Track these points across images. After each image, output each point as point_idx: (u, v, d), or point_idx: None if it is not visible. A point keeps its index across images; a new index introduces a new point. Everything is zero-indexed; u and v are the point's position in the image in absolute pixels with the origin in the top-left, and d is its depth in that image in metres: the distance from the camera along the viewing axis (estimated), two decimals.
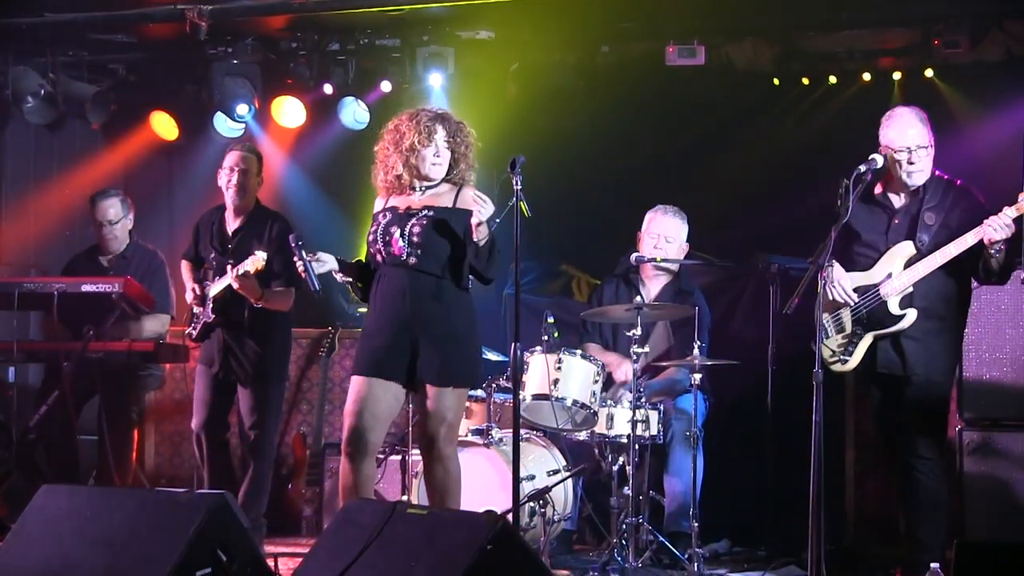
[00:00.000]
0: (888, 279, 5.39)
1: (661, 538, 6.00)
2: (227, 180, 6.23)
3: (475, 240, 5.07)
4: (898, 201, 5.49)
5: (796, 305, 5.13)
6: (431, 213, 5.15)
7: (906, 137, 5.38)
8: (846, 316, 5.49)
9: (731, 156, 7.61)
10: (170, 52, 8.07)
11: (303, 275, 5.15)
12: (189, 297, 6.27)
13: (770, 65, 7.65)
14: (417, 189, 5.24)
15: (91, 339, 6.75)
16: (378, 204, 5.36)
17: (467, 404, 6.69)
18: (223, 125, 8.21)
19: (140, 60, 8.26)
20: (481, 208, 5.02)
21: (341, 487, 5.19)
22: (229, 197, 6.26)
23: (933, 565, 4.44)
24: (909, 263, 5.36)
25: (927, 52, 7.25)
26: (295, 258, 5.16)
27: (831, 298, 5.43)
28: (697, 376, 6.04)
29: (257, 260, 5.87)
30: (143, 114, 8.18)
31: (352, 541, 4.27)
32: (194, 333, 6.29)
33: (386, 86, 7.85)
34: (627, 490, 5.97)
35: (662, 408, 6.19)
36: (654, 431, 6.07)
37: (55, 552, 4.45)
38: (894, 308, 5.37)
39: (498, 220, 6.30)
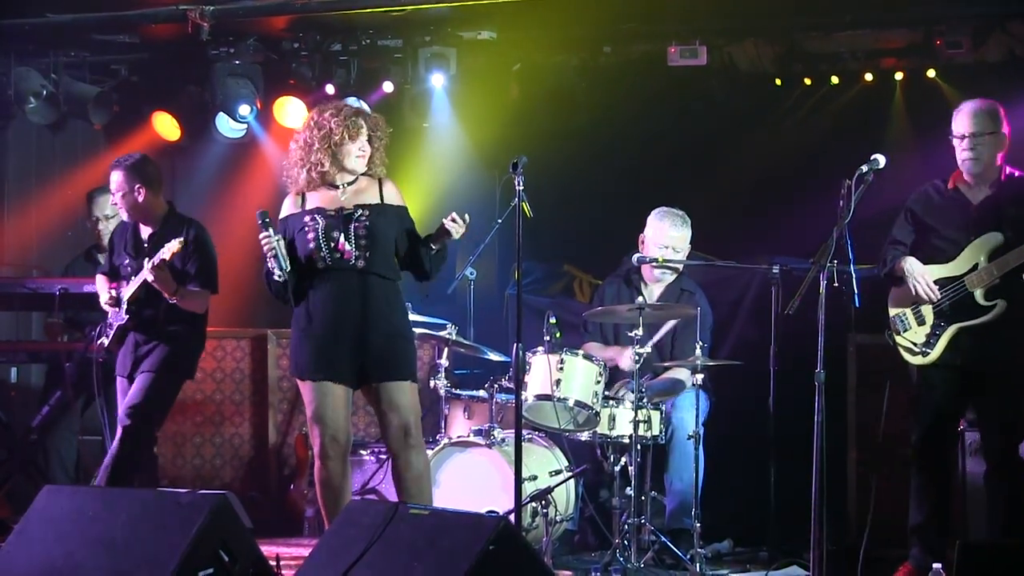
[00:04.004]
0: (974, 270, 5.39)
1: (663, 538, 5.99)
2: (117, 205, 6.18)
3: (432, 246, 5.28)
4: (972, 195, 5.51)
5: (797, 305, 5.14)
6: (367, 212, 5.23)
7: (961, 125, 5.47)
8: (927, 309, 5.50)
9: (733, 156, 7.60)
10: (172, 53, 8.08)
11: (270, 253, 5.13)
12: (104, 299, 6.10)
13: (772, 65, 7.65)
14: (339, 185, 5.29)
15: (93, 339, 6.75)
16: (292, 204, 5.36)
17: (470, 404, 6.72)
18: (225, 126, 8.22)
19: (142, 61, 8.27)
20: (458, 230, 5.23)
21: (325, 491, 5.28)
22: (125, 217, 6.19)
23: (936, 565, 4.44)
24: (995, 254, 5.36)
25: (929, 52, 7.25)
26: (262, 234, 5.14)
27: (914, 294, 5.47)
28: (699, 376, 6.04)
29: (173, 245, 5.78)
30: (145, 115, 8.19)
31: (354, 541, 4.27)
32: (106, 341, 6.12)
33: (388, 87, 7.85)
34: (629, 490, 5.97)
35: (664, 408, 6.19)
36: (656, 431, 6.07)
37: (58, 553, 4.45)
38: (980, 299, 5.37)
39: (500, 221, 6.31)
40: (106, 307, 6.11)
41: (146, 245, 6.09)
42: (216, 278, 6.14)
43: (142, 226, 6.17)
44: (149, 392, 6.00)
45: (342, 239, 5.18)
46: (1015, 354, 5.37)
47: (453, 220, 5.24)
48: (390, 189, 5.36)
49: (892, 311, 5.61)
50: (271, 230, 5.16)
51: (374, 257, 5.20)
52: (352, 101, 7.86)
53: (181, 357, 6.12)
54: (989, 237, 5.38)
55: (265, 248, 5.16)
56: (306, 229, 5.24)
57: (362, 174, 5.34)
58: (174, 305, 5.98)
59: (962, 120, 5.48)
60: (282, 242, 5.17)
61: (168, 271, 5.87)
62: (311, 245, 5.22)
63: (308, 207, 5.30)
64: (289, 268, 5.18)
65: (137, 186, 6.04)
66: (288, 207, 5.39)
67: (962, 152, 5.46)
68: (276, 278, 5.19)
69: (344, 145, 5.24)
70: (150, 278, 5.86)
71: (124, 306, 6.05)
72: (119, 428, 6.00)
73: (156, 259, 5.83)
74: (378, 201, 5.29)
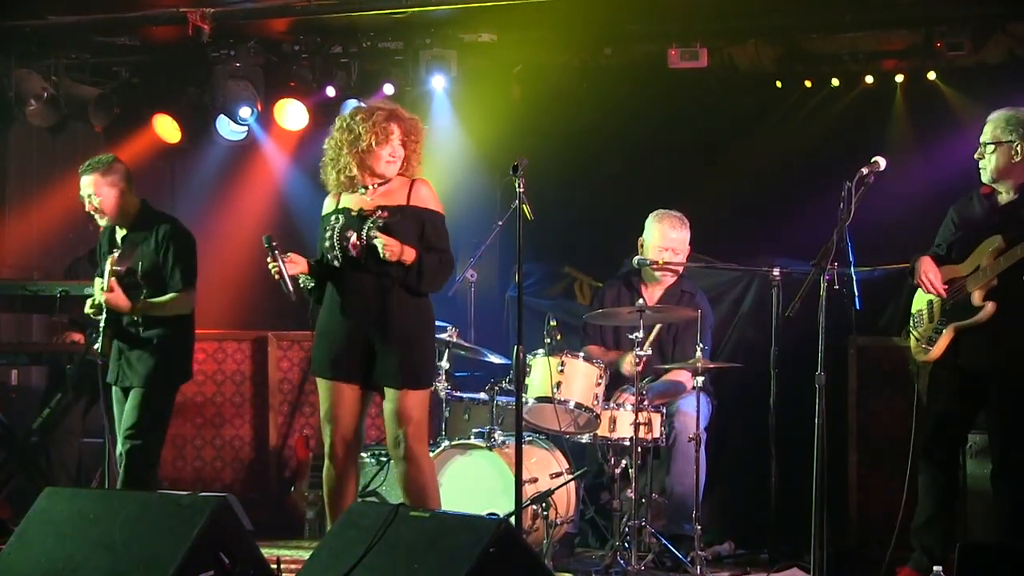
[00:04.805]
0: (976, 272, 5.39)
1: (664, 540, 5.99)
2: (87, 208, 6.07)
3: (404, 263, 5.10)
4: (1001, 199, 5.49)
5: (798, 307, 5.15)
6: (385, 214, 5.14)
7: (982, 132, 5.44)
8: (936, 306, 5.52)
9: (733, 158, 7.60)
10: (173, 55, 8.08)
11: (277, 277, 5.09)
12: (87, 309, 6.00)
13: (772, 67, 7.65)
14: (369, 187, 5.24)
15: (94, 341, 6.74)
16: (329, 205, 5.35)
17: (470, 407, 6.72)
18: (226, 128, 8.23)
19: (143, 63, 8.27)
20: (387, 254, 5.04)
21: (331, 490, 5.25)
22: (102, 221, 6.10)
23: (936, 568, 4.44)
24: (996, 256, 5.34)
25: (930, 54, 7.25)
26: (269, 259, 5.10)
27: (924, 290, 5.49)
28: (700, 378, 6.03)
29: (108, 264, 5.71)
30: (146, 117, 8.19)
31: (354, 544, 4.27)
32: (99, 347, 5.99)
33: (389, 89, 7.85)
34: (630, 492, 5.97)
35: (665, 410, 6.19)
36: (657, 433, 6.07)
37: (58, 554, 4.45)
38: (976, 300, 5.37)
39: (500, 223, 6.30)
40: (89, 313, 6.05)
41: (120, 247, 6.03)
42: (191, 275, 5.97)
43: (118, 228, 6.10)
44: (141, 410, 5.88)
45: (354, 239, 5.14)
46: (1011, 355, 5.35)
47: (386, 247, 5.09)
48: (421, 191, 5.24)
49: (914, 307, 5.63)
50: (276, 253, 5.09)
51: (385, 261, 5.12)
52: (352, 103, 7.91)
53: (167, 366, 5.97)
54: (991, 240, 5.37)
55: (272, 272, 5.12)
56: (327, 229, 5.23)
57: (397, 175, 5.27)
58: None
59: (983, 129, 5.46)
60: (286, 265, 5.10)
61: (118, 291, 5.76)
62: (326, 244, 5.21)
63: (340, 206, 5.28)
64: (293, 289, 5.12)
65: (110, 187, 5.98)
66: (326, 206, 5.37)
67: (980, 161, 5.45)
68: (292, 298, 5.15)
69: (372, 151, 5.17)
70: (102, 299, 5.78)
71: (104, 313, 5.94)
72: (122, 452, 5.88)
73: (101, 284, 5.76)
74: (403, 203, 5.20)
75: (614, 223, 7.45)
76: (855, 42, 7.44)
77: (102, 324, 5.95)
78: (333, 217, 5.24)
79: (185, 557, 4.19)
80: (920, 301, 5.61)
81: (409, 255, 5.11)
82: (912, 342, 5.60)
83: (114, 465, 6.40)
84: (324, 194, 8.24)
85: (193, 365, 6.25)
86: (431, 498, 5.19)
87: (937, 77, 7.25)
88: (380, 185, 5.25)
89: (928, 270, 5.47)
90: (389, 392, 5.15)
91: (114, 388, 6.04)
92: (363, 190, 5.25)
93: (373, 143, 5.16)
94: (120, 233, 6.07)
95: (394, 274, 5.15)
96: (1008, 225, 5.35)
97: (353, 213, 5.20)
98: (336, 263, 5.19)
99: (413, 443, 5.15)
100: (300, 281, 5.26)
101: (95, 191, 6.00)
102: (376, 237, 5.07)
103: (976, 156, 5.45)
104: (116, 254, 5.79)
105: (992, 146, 5.39)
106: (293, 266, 5.16)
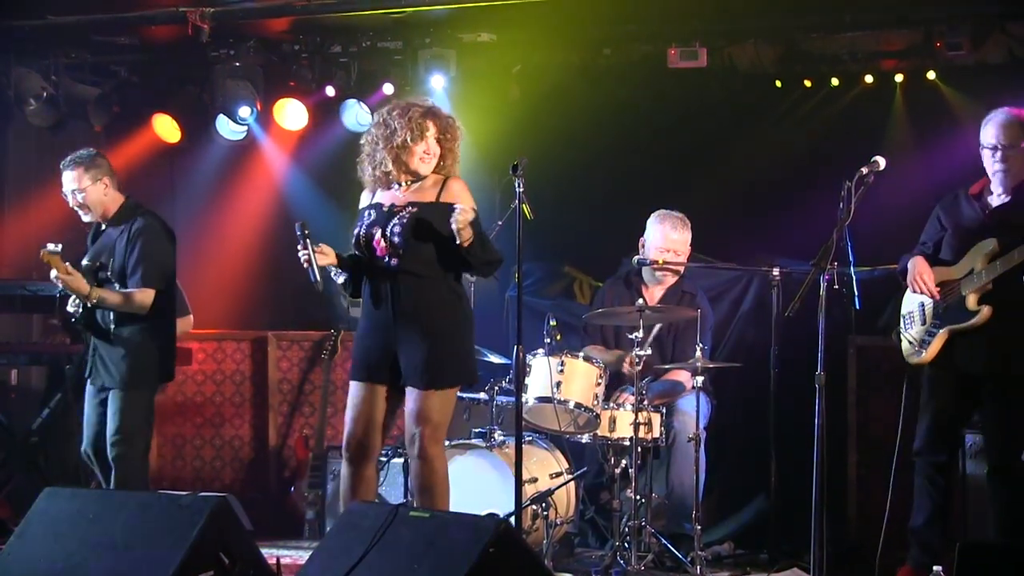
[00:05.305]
0: (970, 275, 5.38)
1: (664, 540, 5.99)
2: (71, 203, 6.03)
3: (460, 243, 5.02)
4: (995, 200, 5.47)
5: (798, 307, 5.15)
6: (414, 210, 5.11)
7: (990, 135, 5.39)
8: (928, 308, 5.52)
9: (733, 158, 7.59)
10: (172, 54, 8.08)
11: (305, 264, 5.05)
12: (69, 307, 5.98)
13: (772, 67, 7.64)
14: (403, 184, 5.22)
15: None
16: (365, 199, 5.33)
17: (470, 407, 6.72)
18: (225, 127, 8.22)
19: (142, 62, 8.27)
20: (456, 219, 4.96)
21: (342, 491, 5.21)
22: (87, 217, 6.06)
23: (936, 568, 4.45)
24: (991, 260, 5.33)
25: (929, 54, 7.25)
26: (299, 246, 5.07)
27: (913, 291, 5.48)
28: (700, 378, 6.03)
29: (44, 253, 5.64)
30: (145, 116, 8.18)
31: (354, 544, 4.28)
32: (82, 344, 6.00)
33: (388, 88, 7.84)
34: (629, 492, 5.97)
35: (664, 410, 6.19)
36: (656, 433, 6.07)
37: (58, 554, 4.46)
38: (971, 304, 5.36)
39: (500, 223, 6.30)
40: (71, 311, 5.99)
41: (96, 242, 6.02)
42: (152, 274, 5.87)
43: (102, 223, 6.07)
44: (122, 415, 5.82)
45: (378, 235, 5.12)
46: (1006, 359, 5.35)
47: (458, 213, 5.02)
48: (454, 188, 5.18)
49: (904, 309, 5.62)
50: (308, 241, 5.06)
51: (408, 255, 5.07)
52: (351, 103, 7.91)
53: (144, 367, 5.88)
54: (985, 243, 5.37)
55: (301, 259, 5.07)
56: (357, 225, 5.21)
57: (432, 173, 5.22)
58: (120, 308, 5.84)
59: (993, 131, 5.40)
60: (315, 255, 5.06)
61: (76, 275, 5.72)
62: (353, 241, 5.20)
63: (373, 201, 5.26)
64: (319, 280, 5.06)
65: (94, 181, 5.94)
66: (361, 200, 5.35)
67: (994, 164, 5.39)
68: (318, 287, 5.09)
69: (407, 146, 5.13)
70: (60, 284, 5.75)
71: (79, 310, 5.92)
72: (110, 459, 5.82)
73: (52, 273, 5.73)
74: (433, 199, 5.15)
75: (614, 223, 7.44)
76: (855, 42, 7.43)
77: (74, 320, 5.92)
78: (366, 212, 5.23)
79: (185, 557, 4.19)
80: (910, 303, 5.60)
81: (466, 235, 5.01)
82: (904, 344, 5.60)
83: (106, 465, 6.38)
84: (323, 193, 8.36)
85: (175, 365, 6.15)
86: (440, 499, 5.13)
87: (937, 77, 7.24)
88: (414, 182, 5.22)
89: (922, 271, 5.47)
90: (411, 391, 5.11)
91: (88, 384, 5.98)
92: (397, 187, 5.22)
93: (408, 139, 5.12)
94: (103, 228, 6.05)
95: (422, 272, 5.11)
96: (1001, 228, 5.35)
97: (384, 208, 5.19)
98: (365, 260, 5.17)
99: (428, 444, 5.08)
100: (332, 273, 5.23)
101: (79, 185, 5.95)
102: (456, 217, 4.95)
103: (996, 160, 5.37)
104: (53, 246, 5.67)
105: (1016, 148, 5.34)
106: (323, 257, 5.12)
